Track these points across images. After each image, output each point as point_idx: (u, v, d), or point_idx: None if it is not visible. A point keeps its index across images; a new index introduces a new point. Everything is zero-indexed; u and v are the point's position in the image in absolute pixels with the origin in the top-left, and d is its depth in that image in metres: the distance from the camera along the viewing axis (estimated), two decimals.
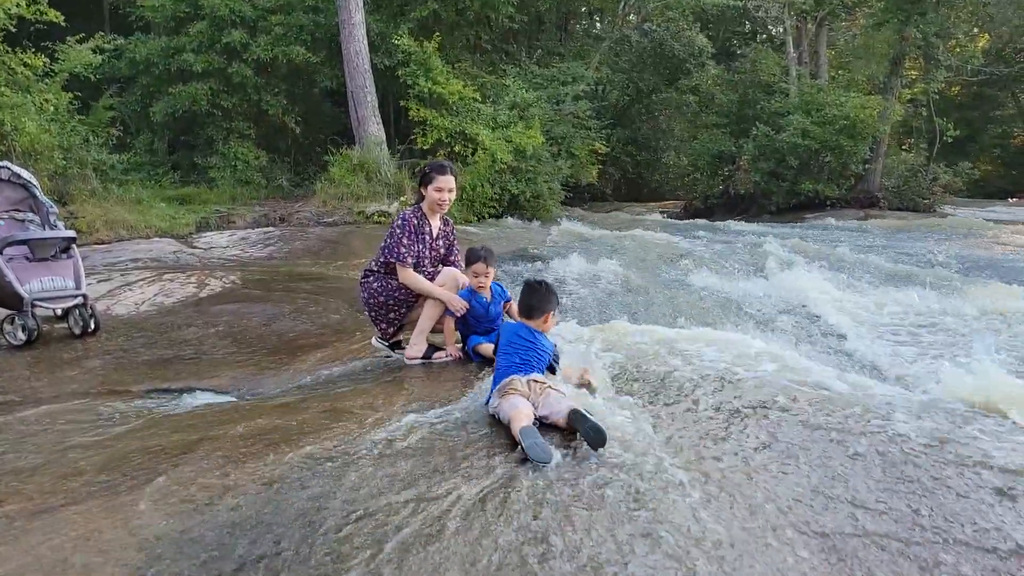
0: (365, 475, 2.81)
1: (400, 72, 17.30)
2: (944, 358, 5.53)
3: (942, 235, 15.65)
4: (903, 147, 33.20)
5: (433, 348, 4.67)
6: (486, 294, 4.55)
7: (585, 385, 3.69)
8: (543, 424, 3.14)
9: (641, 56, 29.62)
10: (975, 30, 32.41)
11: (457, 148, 16.83)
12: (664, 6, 25.19)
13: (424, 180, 4.72)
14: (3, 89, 12.33)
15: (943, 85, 28.78)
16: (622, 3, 25.09)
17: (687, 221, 20.75)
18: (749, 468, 2.89)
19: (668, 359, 4.16)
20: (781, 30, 27.78)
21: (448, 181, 4.71)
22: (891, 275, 9.82)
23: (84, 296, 5.99)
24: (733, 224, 18.67)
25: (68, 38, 14.41)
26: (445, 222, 4.92)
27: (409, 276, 4.61)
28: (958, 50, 29.98)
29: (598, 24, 32.55)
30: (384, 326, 4.84)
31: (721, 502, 2.63)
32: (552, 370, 3.58)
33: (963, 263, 11.06)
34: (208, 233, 13.68)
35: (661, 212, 25.44)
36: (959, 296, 7.89)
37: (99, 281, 7.75)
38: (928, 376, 4.89)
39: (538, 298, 3.51)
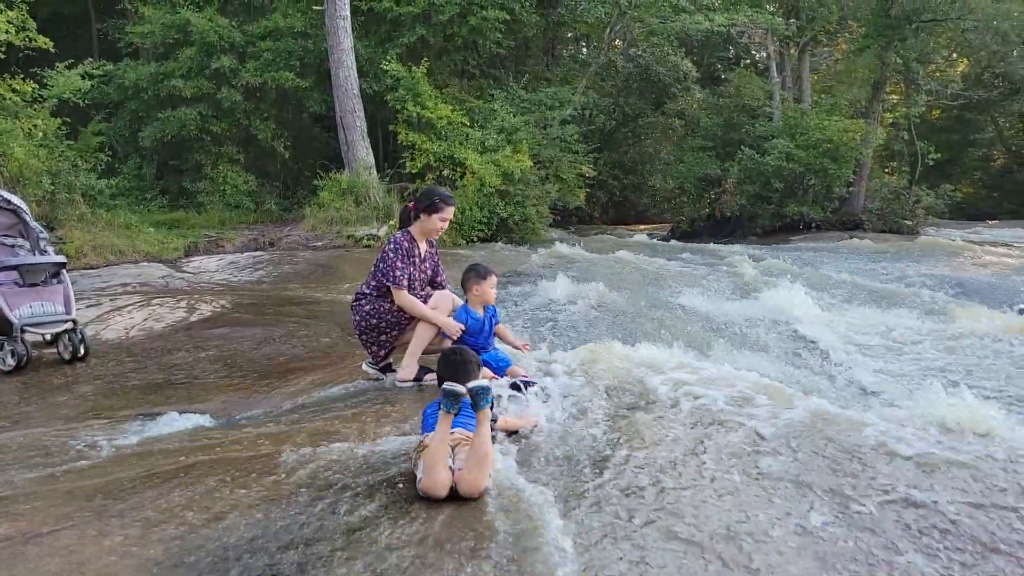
0: (358, 498, 2.84)
1: (389, 97, 17.42)
2: (927, 379, 5.62)
3: (924, 256, 15.81)
4: (886, 170, 33.61)
5: (425, 370, 4.71)
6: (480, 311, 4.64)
7: (512, 432, 3.63)
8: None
9: (627, 81, 29.95)
10: (954, 55, 32.99)
11: (446, 172, 16.93)
12: (649, 32, 25.48)
13: (431, 208, 4.74)
14: None
15: (924, 109, 29.20)
16: (608, 29, 25.35)
17: (674, 243, 20.87)
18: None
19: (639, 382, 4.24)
20: (765, 55, 28.15)
21: (452, 212, 4.83)
22: (876, 295, 9.92)
23: (74, 321, 5.99)
24: (719, 246, 18.82)
25: (57, 64, 14.44)
26: (430, 244, 4.99)
27: (405, 299, 4.65)
28: (938, 75, 30.51)
29: (584, 49, 32.88)
30: (375, 349, 4.87)
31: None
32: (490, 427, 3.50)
33: (945, 284, 11.19)
34: (197, 257, 13.68)
35: (648, 235, 25.59)
36: (941, 317, 8.00)
37: (88, 306, 7.75)
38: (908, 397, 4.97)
39: (452, 371, 3.14)
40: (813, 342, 6.94)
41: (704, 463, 3.20)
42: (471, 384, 2.90)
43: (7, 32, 12.99)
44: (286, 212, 18.57)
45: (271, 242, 15.53)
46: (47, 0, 16.80)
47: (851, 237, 20.90)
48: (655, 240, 22.42)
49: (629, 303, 9.04)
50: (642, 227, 31.11)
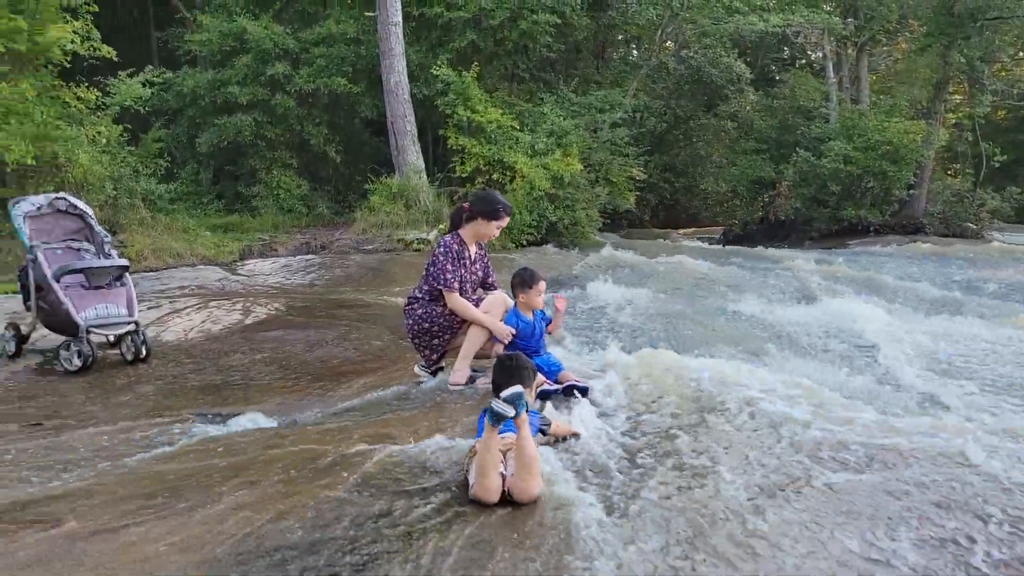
0: (412, 501, 2.85)
1: (439, 101, 17.52)
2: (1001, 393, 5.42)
3: (993, 262, 15.31)
4: (948, 172, 32.69)
5: (477, 373, 4.72)
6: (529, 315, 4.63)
7: (565, 438, 3.60)
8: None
9: (679, 83, 29.63)
10: (1021, 54, 31.92)
11: (495, 176, 16.94)
12: (701, 33, 25.22)
13: (491, 215, 4.81)
14: (58, 123, 12.72)
15: (989, 109, 28.33)
16: (659, 31, 25.16)
17: (726, 247, 20.60)
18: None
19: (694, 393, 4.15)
20: (821, 56, 27.65)
21: (508, 221, 4.94)
22: (940, 303, 9.64)
23: (136, 323, 6.14)
24: (773, 250, 18.49)
25: (119, 72, 14.82)
26: (479, 246, 5.02)
27: (457, 302, 4.68)
28: (1004, 74, 29.56)
29: (635, 51, 32.67)
30: (427, 352, 4.90)
31: None
32: (544, 432, 3.48)
33: (1014, 291, 10.82)
34: (251, 260, 13.91)
35: (699, 238, 25.31)
36: (1011, 326, 7.71)
37: (149, 308, 7.93)
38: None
39: (507, 376, 3.21)
40: (875, 351, 6.74)
41: (759, 477, 3.13)
42: (505, 393, 2.89)
43: (72, 42, 13.38)
44: (337, 216, 18.80)
45: (323, 245, 15.72)
46: (110, 10, 17.29)
47: (913, 241, 20.37)
48: (707, 243, 22.16)
49: (681, 308, 8.95)
50: (693, 230, 30.79)
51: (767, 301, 9.60)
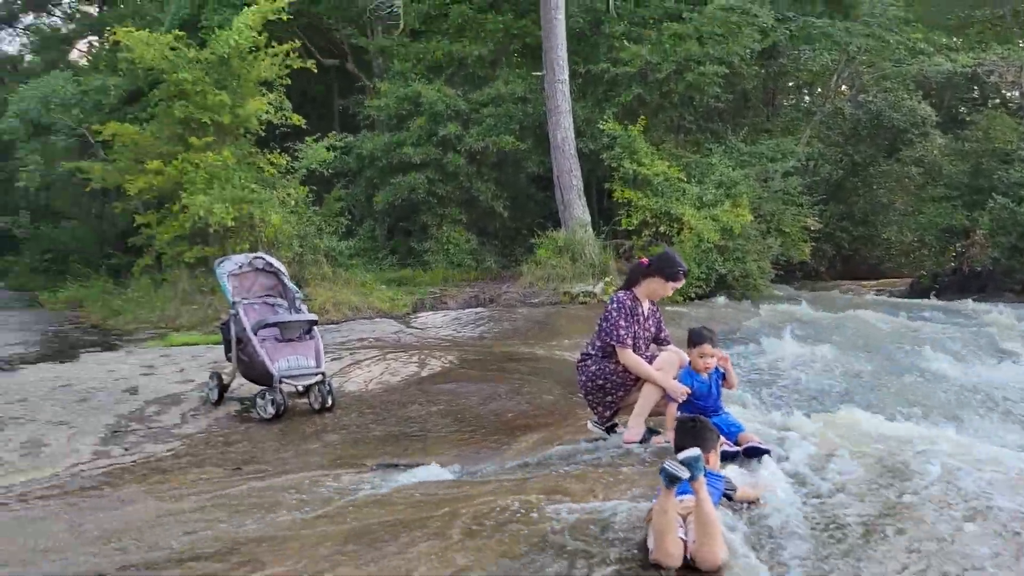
0: (592, 561, 2.79)
1: (605, 155, 17.67)
2: None
3: None
4: None
5: (651, 432, 4.63)
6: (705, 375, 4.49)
7: (749, 503, 3.44)
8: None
9: (856, 128, 28.25)
10: None
11: (662, 228, 16.78)
12: (881, 76, 24.04)
13: (671, 276, 4.83)
14: (253, 186, 13.93)
15: None
16: (834, 76, 24.23)
17: (913, 300, 19.16)
18: None
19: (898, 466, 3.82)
20: (1018, 94, 25.56)
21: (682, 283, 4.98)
22: None
23: (323, 374, 6.51)
24: (968, 304, 16.98)
25: (306, 138, 16.02)
26: (652, 302, 4.97)
27: (630, 358, 4.64)
28: None
29: (807, 98, 31.61)
30: (601, 409, 4.88)
31: None
32: (729, 498, 3.35)
33: None
34: (424, 313, 14.41)
35: (882, 291, 23.76)
36: None
37: (332, 359, 8.35)
38: None
39: (688, 439, 3.13)
40: None
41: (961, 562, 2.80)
42: (682, 455, 2.82)
43: (267, 112, 14.73)
44: (504, 269, 19.20)
45: (491, 298, 16.07)
46: (300, 82, 18.83)
47: None
48: (891, 296, 20.76)
49: (867, 366, 8.38)
50: (875, 282, 28.94)
51: (964, 359, 8.81)
